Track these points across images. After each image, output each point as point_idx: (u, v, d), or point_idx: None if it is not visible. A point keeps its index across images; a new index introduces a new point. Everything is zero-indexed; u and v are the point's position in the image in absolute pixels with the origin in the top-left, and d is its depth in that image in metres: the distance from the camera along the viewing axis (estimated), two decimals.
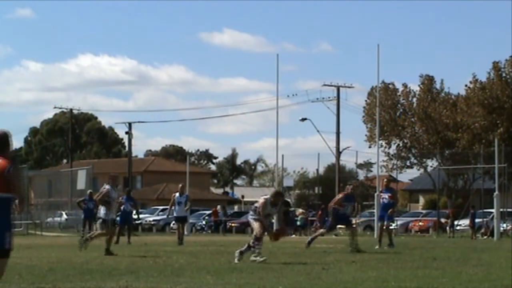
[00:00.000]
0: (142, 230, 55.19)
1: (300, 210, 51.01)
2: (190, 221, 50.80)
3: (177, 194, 28.83)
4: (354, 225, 24.26)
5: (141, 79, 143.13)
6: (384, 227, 25.19)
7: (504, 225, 44.28)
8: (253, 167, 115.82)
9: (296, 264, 16.73)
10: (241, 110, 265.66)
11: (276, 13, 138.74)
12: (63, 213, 54.88)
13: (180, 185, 29.46)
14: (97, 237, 20.90)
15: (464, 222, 46.96)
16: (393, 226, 32.07)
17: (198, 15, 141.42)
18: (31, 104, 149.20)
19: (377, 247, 24.11)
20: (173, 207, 29.13)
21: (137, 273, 14.01)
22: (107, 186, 20.76)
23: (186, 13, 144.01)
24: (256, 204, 17.72)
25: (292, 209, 52.19)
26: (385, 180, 27.44)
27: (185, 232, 46.05)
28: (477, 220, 44.36)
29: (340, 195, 23.89)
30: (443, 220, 49.80)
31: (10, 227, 9.29)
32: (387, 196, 25.08)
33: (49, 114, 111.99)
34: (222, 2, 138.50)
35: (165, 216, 51.87)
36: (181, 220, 29.14)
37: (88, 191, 38.32)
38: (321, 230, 25.12)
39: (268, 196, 17.74)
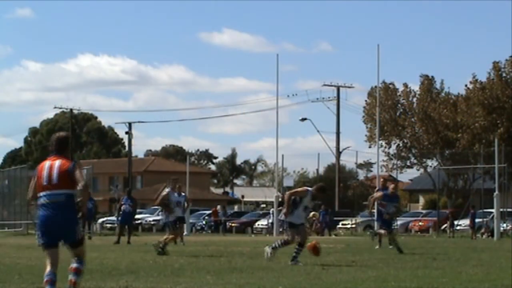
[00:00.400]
0: (142, 230, 55.19)
1: (313, 213, 50.87)
2: (190, 221, 50.80)
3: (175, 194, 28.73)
4: (393, 230, 23.80)
5: (141, 79, 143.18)
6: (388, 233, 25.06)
7: (504, 225, 44.27)
8: (253, 167, 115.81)
9: (296, 264, 16.71)
10: (241, 110, 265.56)
11: (276, 13, 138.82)
12: None
13: (177, 186, 29.41)
14: (168, 241, 21.00)
15: (464, 222, 46.94)
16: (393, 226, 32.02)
17: (197, 15, 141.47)
18: (31, 104, 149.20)
19: (377, 247, 24.10)
20: None
21: (137, 273, 14.01)
22: (166, 189, 21.13)
23: (185, 13, 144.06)
24: (292, 191, 17.56)
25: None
26: (382, 180, 27.39)
27: (185, 232, 46.11)
28: (477, 220, 44.35)
29: (378, 194, 23.72)
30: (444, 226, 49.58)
31: (77, 221, 10.11)
32: (392, 206, 24.98)
33: (49, 114, 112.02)
34: (221, 2, 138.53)
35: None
36: (180, 220, 29.20)
37: None
38: (382, 231, 24.31)
39: (311, 188, 17.43)
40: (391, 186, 24.00)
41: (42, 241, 10.08)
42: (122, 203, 30.46)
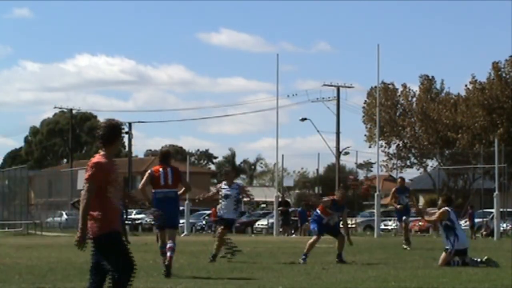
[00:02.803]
0: (142, 230, 55.21)
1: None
2: (190, 221, 50.80)
3: None
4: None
5: (140, 79, 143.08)
6: (404, 225, 25.04)
7: (504, 225, 44.26)
8: (252, 167, 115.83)
9: (296, 264, 16.74)
10: (241, 110, 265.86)
11: (274, 13, 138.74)
12: (63, 213, 54.92)
13: None
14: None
15: (464, 222, 46.94)
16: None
17: (195, 15, 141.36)
18: (31, 104, 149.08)
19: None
20: None
21: (137, 273, 13.97)
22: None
23: (183, 13, 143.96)
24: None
25: (291, 209, 52.16)
26: (400, 179, 27.36)
27: (184, 232, 46.19)
28: (477, 220, 44.34)
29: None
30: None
31: (178, 211, 14.29)
32: (404, 197, 25.06)
33: (49, 114, 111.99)
34: (219, 2, 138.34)
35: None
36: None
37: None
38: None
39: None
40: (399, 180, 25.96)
41: (158, 223, 13.86)
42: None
